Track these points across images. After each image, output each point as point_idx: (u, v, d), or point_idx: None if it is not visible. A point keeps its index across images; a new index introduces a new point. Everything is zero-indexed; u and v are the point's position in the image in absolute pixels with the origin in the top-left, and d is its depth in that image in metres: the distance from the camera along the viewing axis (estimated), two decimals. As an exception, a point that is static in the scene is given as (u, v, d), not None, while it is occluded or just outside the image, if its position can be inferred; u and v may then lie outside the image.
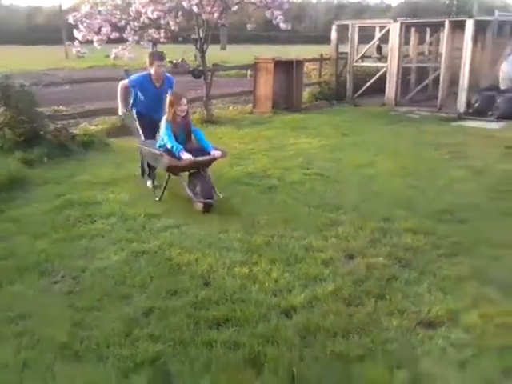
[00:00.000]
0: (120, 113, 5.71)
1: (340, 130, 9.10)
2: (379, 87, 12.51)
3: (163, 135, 4.92)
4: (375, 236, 4.30)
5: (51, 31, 46.07)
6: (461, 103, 11.04)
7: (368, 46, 13.61)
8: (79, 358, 2.66)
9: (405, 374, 2.59)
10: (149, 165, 5.62)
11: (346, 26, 13.00)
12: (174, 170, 4.98)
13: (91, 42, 9.50)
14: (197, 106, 10.22)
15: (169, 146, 4.83)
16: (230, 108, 11.59)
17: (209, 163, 5.03)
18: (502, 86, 11.74)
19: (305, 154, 7.23)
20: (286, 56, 12.33)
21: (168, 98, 4.98)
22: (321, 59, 13.84)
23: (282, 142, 8.03)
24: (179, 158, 4.75)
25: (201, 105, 10.14)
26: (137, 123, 5.67)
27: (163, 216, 4.74)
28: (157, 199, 5.12)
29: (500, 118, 10.31)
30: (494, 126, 9.75)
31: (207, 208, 4.78)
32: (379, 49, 15.09)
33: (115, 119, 8.99)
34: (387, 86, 12.20)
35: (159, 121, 5.31)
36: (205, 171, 5.00)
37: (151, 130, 5.60)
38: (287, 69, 11.38)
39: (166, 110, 4.96)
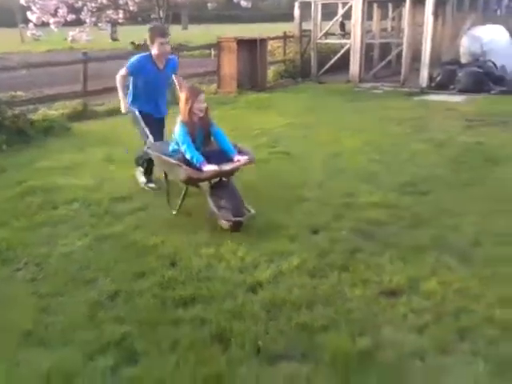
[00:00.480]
0: (123, 110, 4.73)
1: (305, 108, 9.15)
2: (343, 64, 12.59)
3: (179, 140, 4.08)
4: (340, 211, 4.39)
5: (3, 13, 44.15)
6: (423, 78, 11.23)
7: (331, 23, 13.63)
8: (44, 344, 2.66)
9: (368, 341, 2.69)
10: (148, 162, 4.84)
11: (309, 4, 12.97)
12: (193, 181, 4.16)
13: (47, 24, 9.24)
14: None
15: (188, 157, 3.99)
16: (195, 89, 11.47)
17: (234, 171, 4.20)
18: (463, 60, 12.02)
19: (270, 132, 7.26)
20: (250, 35, 12.25)
21: (183, 94, 4.20)
22: (284, 37, 13.80)
23: (247, 122, 8.03)
24: (200, 169, 3.95)
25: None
26: (142, 123, 4.73)
27: (128, 199, 4.71)
28: (174, 212, 4.33)
29: (461, 91, 10.56)
30: (456, 99, 9.98)
31: (236, 227, 3.96)
32: (342, 25, 15.14)
33: (76, 104, 8.81)
34: (351, 62, 12.29)
35: (163, 117, 4.90)
36: (229, 180, 4.17)
37: (158, 129, 4.82)
38: (251, 48, 11.31)
39: (181, 108, 4.16)
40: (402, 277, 3.29)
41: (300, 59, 13.27)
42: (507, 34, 12.27)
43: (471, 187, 4.95)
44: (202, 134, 4.21)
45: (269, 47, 12.63)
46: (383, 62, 12.98)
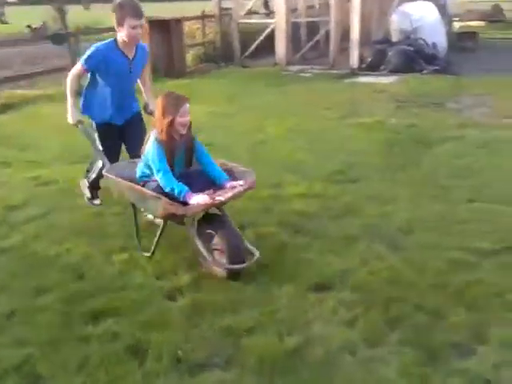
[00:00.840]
0: (71, 120, 3.93)
1: (228, 95, 9.23)
2: (270, 46, 12.79)
3: (152, 165, 3.38)
4: (266, 204, 4.50)
5: None
6: (353, 59, 11.64)
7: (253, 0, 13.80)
8: None
9: (296, 339, 2.80)
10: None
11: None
12: (176, 218, 3.42)
13: None
14: (62, 77, 9.84)
15: (167, 189, 3.29)
16: (104, 77, 11.26)
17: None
18: (394, 39, 12.59)
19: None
20: (164, 15, 12.15)
21: (159, 102, 3.43)
22: (203, 17, 13.79)
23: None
24: (185, 203, 3.26)
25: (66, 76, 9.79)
26: (96, 139, 4.06)
27: (26, 206, 4.57)
28: (147, 254, 3.65)
29: (392, 71, 11.06)
30: (387, 80, 10.45)
31: (235, 276, 3.37)
32: (266, 4, 15.38)
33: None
34: (276, 43, 12.51)
35: (132, 119, 4.18)
36: (222, 211, 3.50)
37: (118, 146, 4.20)
38: (166, 29, 11.22)
39: (157, 122, 3.43)
40: (331, 270, 3.45)
41: (220, 41, 13.33)
42: (436, 11, 12.99)
43: (402, 172, 5.24)
44: (183, 154, 3.56)
45: (186, 28, 12.59)
46: (311, 43, 13.33)
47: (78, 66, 3.90)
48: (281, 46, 12.45)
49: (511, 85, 9.28)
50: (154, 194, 3.31)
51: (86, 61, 3.87)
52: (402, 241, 3.86)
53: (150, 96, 4.24)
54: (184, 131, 3.45)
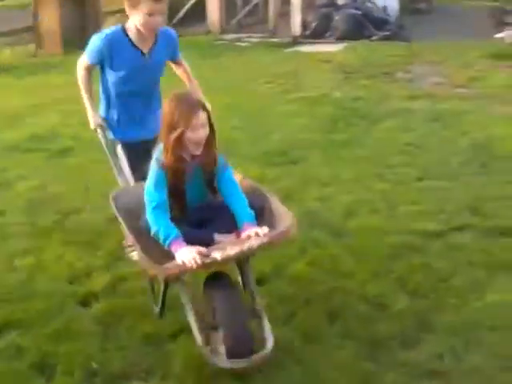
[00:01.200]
0: (93, 125, 3.61)
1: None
2: (202, 11, 12.72)
3: (146, 195, 2.79)
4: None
5: None
6: (295, 25, 11.73)
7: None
8: None
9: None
10: None
11: None
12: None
13: None
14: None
15: (153, 230, 2.72)
16: (7, 51, 10.98)
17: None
18: (340, 1, 12.76)
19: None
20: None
21: (164, 108, 2.83)
22: (123, -21, 13.54)
23: (78, 91, 7.83)
24: (167, 255, 2.66)
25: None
26: (114, 151, 3.60)
27: None
28: (156, 309, 3.04)
29: (339, 38, 11.24)
30: (333, 48, 10.61)
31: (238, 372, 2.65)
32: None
33: None
34: (208, 7, 12.45)
35: (151, 139, 3.48)
36: (247, 264, 2.92)
37: (139, 161, 3.32)
38: (78, -6, 11.00)
39: (161, 136, 2.84)
40: (266, 263, 3.51)
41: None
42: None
43: (346, 150, 5.41)
44: (199, 179, 2.94)
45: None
46: (248, 7, 13.34)
47: (85, 60, 3.52)
48: (214, 11, 12.41)
49: (467, 50, 9.65)
50: (135, 239, 2.77)
51: (91, 52, 3.47)
52: (343, 226, 4.00)
53: (195, 88, 3.83)
54: (198, 151, 2.80)
